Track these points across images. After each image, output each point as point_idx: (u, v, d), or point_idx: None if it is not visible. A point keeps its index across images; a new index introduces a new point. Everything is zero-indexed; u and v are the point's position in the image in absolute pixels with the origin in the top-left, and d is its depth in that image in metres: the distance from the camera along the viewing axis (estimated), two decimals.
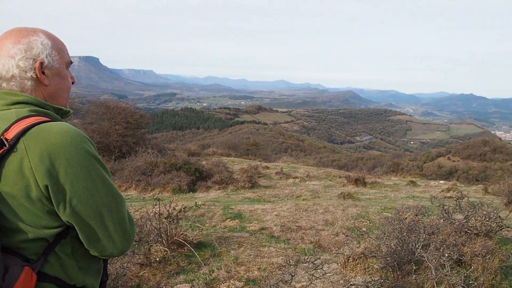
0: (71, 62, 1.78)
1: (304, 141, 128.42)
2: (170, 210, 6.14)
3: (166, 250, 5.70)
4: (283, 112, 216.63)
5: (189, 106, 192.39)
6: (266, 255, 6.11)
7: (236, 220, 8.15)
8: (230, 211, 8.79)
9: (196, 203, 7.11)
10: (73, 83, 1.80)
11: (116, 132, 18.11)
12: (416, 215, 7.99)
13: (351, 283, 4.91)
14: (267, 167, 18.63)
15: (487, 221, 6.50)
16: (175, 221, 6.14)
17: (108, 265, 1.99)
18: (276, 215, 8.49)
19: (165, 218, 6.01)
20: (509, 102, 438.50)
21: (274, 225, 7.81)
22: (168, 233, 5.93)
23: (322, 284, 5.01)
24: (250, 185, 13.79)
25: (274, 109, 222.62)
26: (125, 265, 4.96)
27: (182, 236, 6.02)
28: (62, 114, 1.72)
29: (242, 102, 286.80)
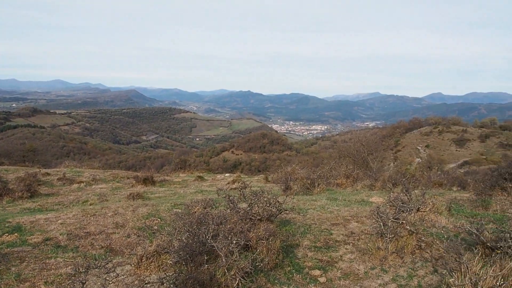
0: None
1: (88, 143, 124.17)
2: None
3: None
4: (62, 114, 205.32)
5: None
6: (53, 266, 5.72)
7: (15, 234, 7.44)
8: (7, 225, 7.98)
9: None
10: None
11: None
12: (205, 208, 8.32)
13: (146, 281, 4.87)
14: (48, 174, 17.50)
15: (268, 206, 7.12)
16: None
17: None
18: (61, 224, 7.99)
19: None
20: (281, 97, 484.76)
21: (60, 234, 7.34)
22: None
23: None
24: (29, 194, 12.85)
25: (51, 111, 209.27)
26: None
27: None
28: None
29: (14, 105, 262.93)
